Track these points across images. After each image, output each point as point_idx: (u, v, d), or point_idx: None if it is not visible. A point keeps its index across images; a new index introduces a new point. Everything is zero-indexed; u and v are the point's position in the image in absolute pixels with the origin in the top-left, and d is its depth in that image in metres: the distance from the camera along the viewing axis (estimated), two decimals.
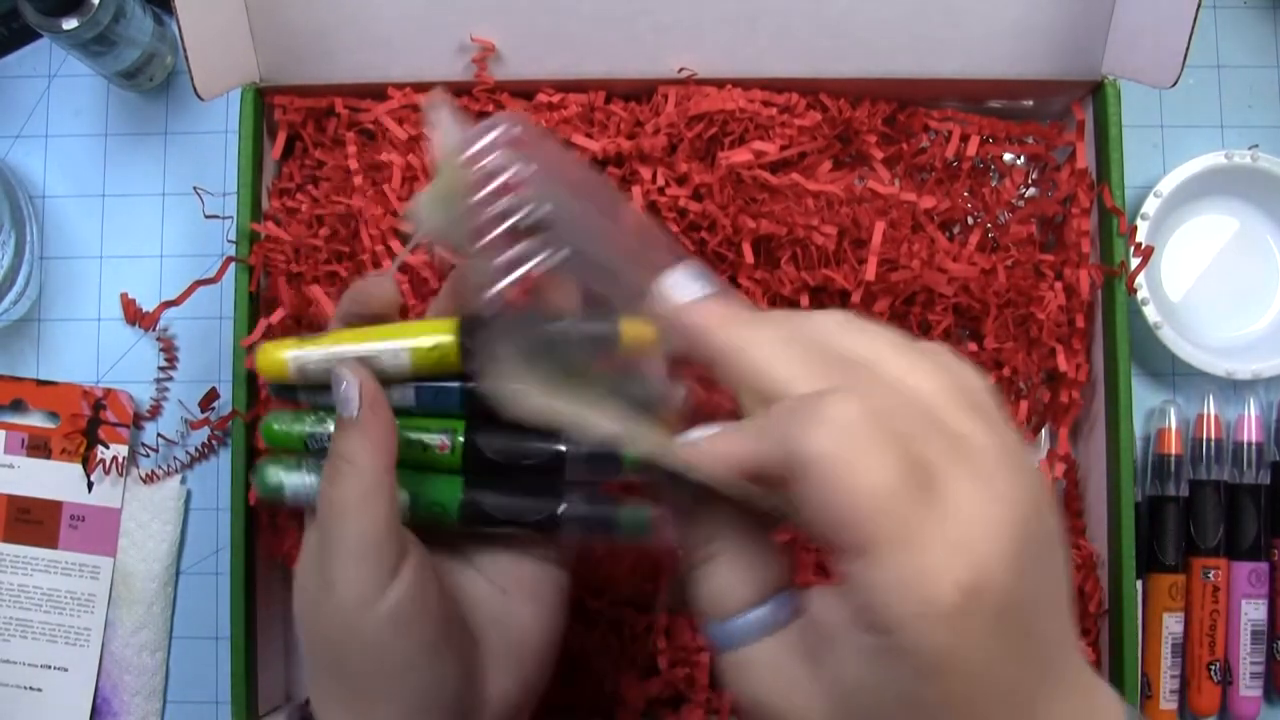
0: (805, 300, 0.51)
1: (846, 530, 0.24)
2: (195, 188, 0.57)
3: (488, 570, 0.38)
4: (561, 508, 0.36)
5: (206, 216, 0.56)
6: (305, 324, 0.52)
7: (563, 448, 0.36)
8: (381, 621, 0.32)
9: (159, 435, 0.58)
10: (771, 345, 0.26)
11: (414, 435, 0.36)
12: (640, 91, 0.53)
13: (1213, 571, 0.55)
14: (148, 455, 0.58)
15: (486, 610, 0.37)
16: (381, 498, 0.33)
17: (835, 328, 0.27)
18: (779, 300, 0.52)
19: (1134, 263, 0.52)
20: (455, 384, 0.36)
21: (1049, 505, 0.26)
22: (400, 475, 0.35)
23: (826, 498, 0.24)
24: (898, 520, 0.23)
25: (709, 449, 0.27)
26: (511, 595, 0.37)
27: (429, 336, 0.36)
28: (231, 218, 0.52)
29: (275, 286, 0.52)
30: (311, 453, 0.36)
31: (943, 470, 0.24)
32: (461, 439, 0.37)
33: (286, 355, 0.36)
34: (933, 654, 0.23)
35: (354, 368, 0.34)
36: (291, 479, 0.36)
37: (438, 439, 0.36)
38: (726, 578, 0.28)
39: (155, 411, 0.58)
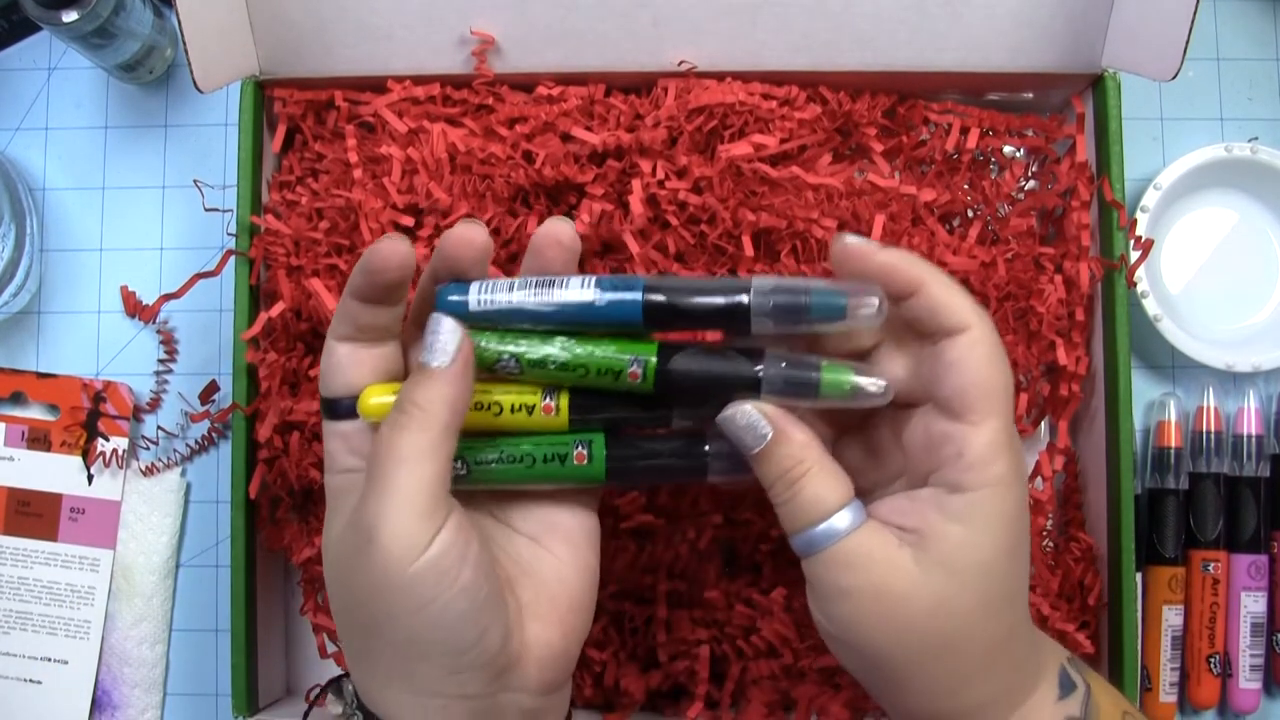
0: None
1: (974, 390, 0.34)
2: (195, 181, 0.57)
3: (517, 522, 0.38)
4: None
5: (206, 209, 0.56)
6: (305, 318, 0.52)
7: (758, 369, 0.36)
8: (423, 570, 0.32)
9: (159, 428, 0.58)
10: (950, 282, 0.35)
11: (602, 357, 0.36)
12: (640, 84, 0.53)
13: (1212, 564, 0.55)
14: (148, 448, 0.58)
15: (519, 562, 0.37)
16: (444, 452, 0.33)
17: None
18: None
19: (1134, 256, 0.52)
20: (637, 295, 0.36)
21: None
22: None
23: (970, 359, 0.34)
24: (1003, 410, 0.34)
25: (922, 267, 0.35)
26: (543, 544, 0.38)
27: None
28: (231, 210, 0.52)
29: (275, 280, 0.52)
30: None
31: (1012, 409, 0.35)
32: (655, 361, 0.36)
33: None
34: (1013, 510, 0.34)
35: (453, 324, 0.34)
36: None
37: (629, 365, 0.36)
38: (818, 487, 0.34)
39: (155, 404, 0.58)
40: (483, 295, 0.36)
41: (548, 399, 0.37)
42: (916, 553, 0.34)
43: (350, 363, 0.36)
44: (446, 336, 0.34)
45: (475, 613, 0.33)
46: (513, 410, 0.37)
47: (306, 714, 0.48)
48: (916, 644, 0.34)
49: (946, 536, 0.34)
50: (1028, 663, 0.36)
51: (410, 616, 0.32)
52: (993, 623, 0.34)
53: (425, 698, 0.34)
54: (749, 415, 0.35)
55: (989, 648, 0.34)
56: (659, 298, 0.36)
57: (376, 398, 0.36)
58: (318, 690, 0.48)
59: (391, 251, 0.34)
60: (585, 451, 0.37)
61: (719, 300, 0.35)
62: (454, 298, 0.36)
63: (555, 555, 0.38)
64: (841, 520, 0.34)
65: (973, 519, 0.34)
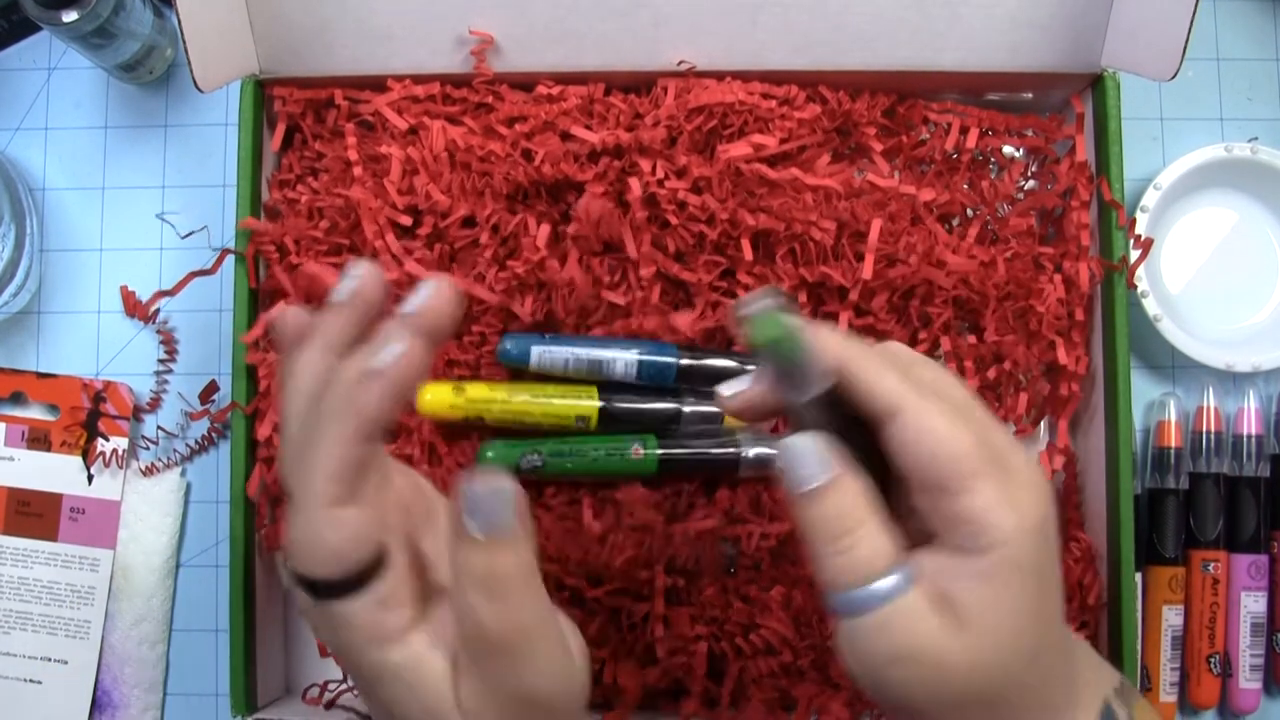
0: (804, 297, 0.51)
1: (948, 467, 0.31)
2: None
3: None
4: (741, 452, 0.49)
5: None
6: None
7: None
8: (579, 693, 0.34)
9: (159, 428, 0.58)
10: (878, 364, 0.33)
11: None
12: (640, 84, 0.53)
13: (1212, 564, 0.55)
14: (147, 448, 0.58)
15: None
16: (553, 616, 0.33)
17: (908, 356, 0.35)
18: None
19: (1134, 255, 0.52)
20: (672, 359, 0.47)
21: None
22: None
23: (924, 441, 0.32)
24: (985, 465, 0.31)
25: (864, 363, 0.33)
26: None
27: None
28: (231, 210, 0.52)
29: (275, 279, 0.52)
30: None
31: (1005, 452, 0.33)
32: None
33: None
34: (1031, 561, 0.32)
35: (505, 477, 0.31)
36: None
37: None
38: (868, 548, 0.32)
39: (155, 404, 0.58)
40: (543, 359, 0.48)
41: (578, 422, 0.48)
42: (945, 618, 0.32)
43: (351, 523, 0.32)
44: (505, 500, 0.31)
45: (585, 691, 0.35)
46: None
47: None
48: (954, 700, 0.32)
49: (973, 598, 0.32)
50: (1064, 698, 0.35)
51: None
52: (1030, 671, 0.33)
53: None
54: (806, 449, 0.32)
55: (1026, 693, 0.33)
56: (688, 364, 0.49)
57: (435, 394, 0.42)
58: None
59: (373, 287, 0.33)
60: (641, 448, 0.45)
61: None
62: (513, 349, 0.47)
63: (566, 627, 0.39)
64: (888, 583, 0.32)
65: (995, 578, 0.32)
